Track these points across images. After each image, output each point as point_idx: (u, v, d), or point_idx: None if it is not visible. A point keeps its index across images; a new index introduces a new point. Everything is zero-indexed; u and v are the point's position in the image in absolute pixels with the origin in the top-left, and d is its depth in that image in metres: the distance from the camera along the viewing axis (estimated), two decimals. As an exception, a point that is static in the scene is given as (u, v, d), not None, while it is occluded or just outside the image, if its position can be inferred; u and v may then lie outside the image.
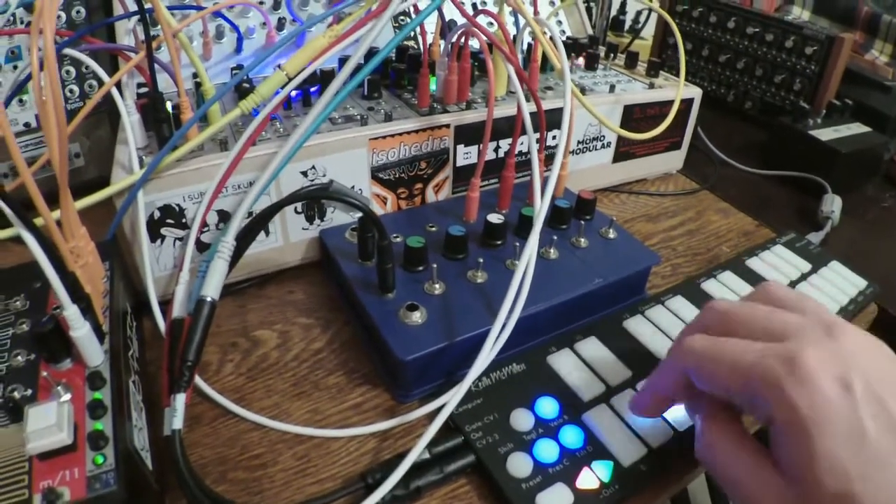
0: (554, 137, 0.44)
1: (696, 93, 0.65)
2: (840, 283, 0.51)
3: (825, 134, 0.72)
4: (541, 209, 0.39)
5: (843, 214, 0.64)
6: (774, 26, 0.84)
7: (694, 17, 0.92)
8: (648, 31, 1.04)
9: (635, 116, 0.60)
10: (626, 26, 1.11)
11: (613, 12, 1.09)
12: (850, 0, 1.01)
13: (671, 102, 0.61)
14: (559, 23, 0.80)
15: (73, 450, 0.26)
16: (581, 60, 0.67)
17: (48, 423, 0.25)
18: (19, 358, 0.30)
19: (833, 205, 0.64)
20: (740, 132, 0.88)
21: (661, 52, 0.96)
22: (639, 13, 1.08)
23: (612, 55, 0.70)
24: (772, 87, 0.86)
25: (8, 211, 0.27)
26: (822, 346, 0.27)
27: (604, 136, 0.60)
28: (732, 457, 0.29)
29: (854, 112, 0.79)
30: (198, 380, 0.38)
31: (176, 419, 0.31)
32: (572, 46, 0.67)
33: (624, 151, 0.63)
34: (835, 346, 0.27)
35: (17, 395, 0.28)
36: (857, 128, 0.76)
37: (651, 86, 0.63)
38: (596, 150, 0.60)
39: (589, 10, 0.93)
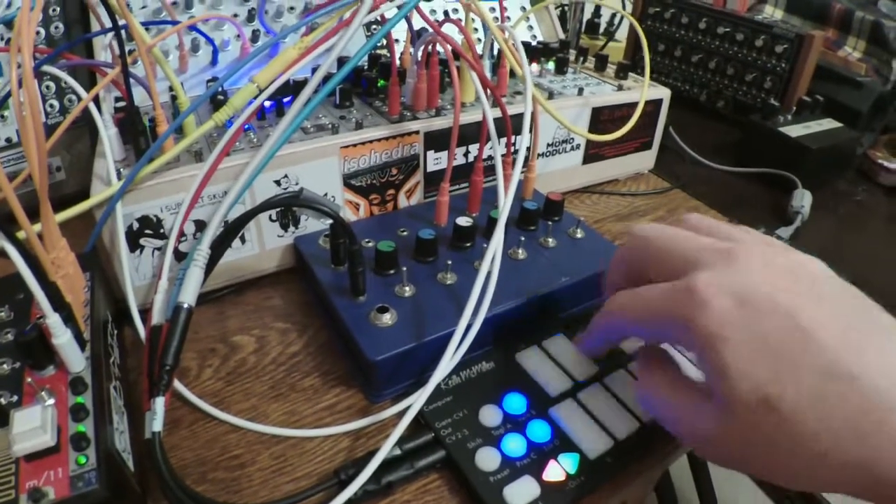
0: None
1: (664, 93, 0.66)
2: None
3: (795, 130, 0.73)
4: (504, 208, 0.41)
5: (815, 209, 0.65)
6: (745, 26, 0.85)
7: (666, 19, 0.94)
8: (623, 34, 1.06)
9: (603, 118, 0.61)
10: (601, 29, 1.12)
11: (588, 16, 1.10)
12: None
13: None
14: (530, 27, 0.82)
15: (56, 451, 0.27)
16: (551, 64, 0.68)
17: (33, 425, 0.26)
18: (5, 366, 0.31)
19: (803, 200, 0.65)
20: (713, 131, 0.89)
21: (635, 54, 0.98)
22: (613, 16, 1.09)
23: (581, 59, 0.71)
24: (743, 85, 0.88)
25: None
26: (716, 269, 0.29)
27: (573, 139, 0.61)
28: (665, 394, 0.32)
29: (826, 108, 0.79)
30: (178, 385, 0.39)
31: (156, 422, 0.32)
32: (543, 51, 0.68)
33: (594, 153, 0.64)
34: (730, 268, 0.29)
35: (3, 401, 0.29)
36: (828, 123, 0.77)
37: (620, 88, 0.64)
38: (565, 152, 0.61)
39: (563, 14, 0.95)
